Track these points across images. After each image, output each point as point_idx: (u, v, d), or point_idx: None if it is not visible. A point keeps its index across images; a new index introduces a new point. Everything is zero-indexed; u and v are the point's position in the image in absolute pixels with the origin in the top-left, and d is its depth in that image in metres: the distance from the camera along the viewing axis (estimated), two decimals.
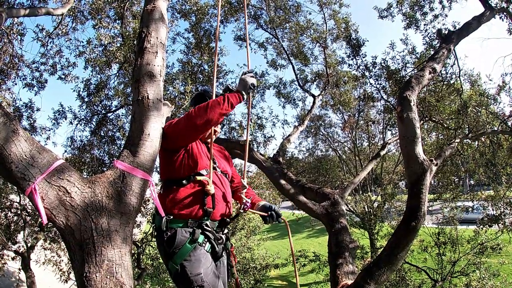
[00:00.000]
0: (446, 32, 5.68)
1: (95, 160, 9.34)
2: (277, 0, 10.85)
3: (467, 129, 7.55)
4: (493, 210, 10.18)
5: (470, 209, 12.23)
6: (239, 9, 10.53)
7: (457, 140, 6.43)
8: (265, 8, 10.71)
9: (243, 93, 2.65)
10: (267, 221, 2.92)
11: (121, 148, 2.60)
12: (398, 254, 3.56)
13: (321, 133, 20.03)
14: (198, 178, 2.58)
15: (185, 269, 2.38)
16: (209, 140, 2.81)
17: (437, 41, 8.14)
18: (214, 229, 2.63)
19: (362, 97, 10.18)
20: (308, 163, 19.31)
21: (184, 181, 2.58)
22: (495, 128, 7.87)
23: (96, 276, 1.95)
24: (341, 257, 4.60)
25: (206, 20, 9.94)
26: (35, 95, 9.42)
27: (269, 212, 2.91)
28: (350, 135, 19.94)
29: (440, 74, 8.13)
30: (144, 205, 10.60)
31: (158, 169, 3.06)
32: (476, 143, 9.27)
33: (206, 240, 2.54)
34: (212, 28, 9.86)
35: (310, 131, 19.25)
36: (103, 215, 2.10)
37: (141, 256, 10.43)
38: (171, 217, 2.49)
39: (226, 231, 2.81)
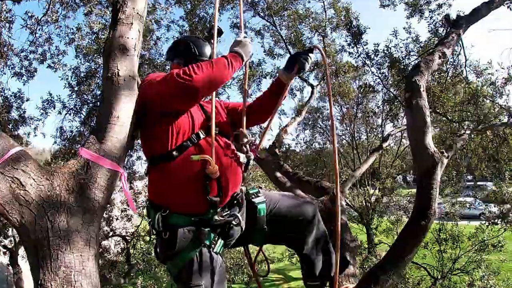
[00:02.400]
0: (455, 17, 5.33)
1: None
2: None
3: (476, 121, 7.20)
4: (495, 206, 9.90)
5: (470, 205, 12.00)
6: None
7: (468, 132, 6.10)
8: None
9: (244, 58, 2.20)
10: (304, 66, 2.32)
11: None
12: (406, 257, 3.21)
13: (319, 126, 19.72)
14: (194, 156, 1.92)
15: (186, 276, 1.93)
16: None
17: (442, 29, 7.79)
18: (226, 214, 2.03)
19: (362, 86, 9.79)
20: (306, 155, 19.00)
21: (174, 153, 1.95)
22: (503, 121, 7.55)
23: (51, 285, 1.62)
24: (341, 257, 4.24)
25: (202, 6, 9.55)
26: (24, 84, 9.03)
27: (296, 61, 2.31)
28: (348, 128, 19.60)
29: (444, 63, 7.78)
30: (136, 197, 10.27)
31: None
32: (480, 137, 8.94)
33: (217, 238, 1.99)
34: (207, 15, 9.46)
35: (308, 123, 19.00)
36: (62, 212, 1.74)
37: (130, 251, 10.11)
38: (167, 211, 1.94)
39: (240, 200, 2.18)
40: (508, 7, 7.21)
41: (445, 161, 3.53)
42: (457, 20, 5.15)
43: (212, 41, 2.39)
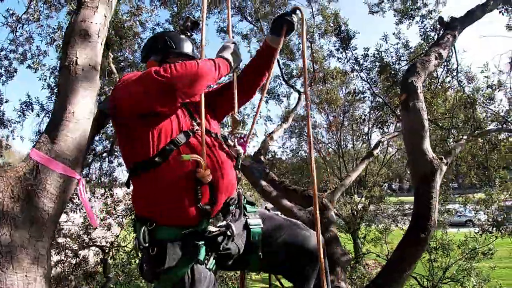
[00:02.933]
0: (449, 19, 5.16)
1: None
2: None
3: (471, 126, 7.04)
4: (485, 214, 9.76)
5: (459, 213, 11.90)
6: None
7: (465, 137, 5.92)
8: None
9: (232, 64, 1.97)
10: (293, 27, 2.13)
11: None
12: (404, 273, 2.93)
13: (305, 134, 19.51)
14: (185, 155, 1.66)
15: None
16: None
17: (433, 33, 7.65)
18: (221, 223, 1.77)
19: (351, 92, 9.60)
20: (292, 164, 18.78)
21: (157, 159, 1.68)
22: (493, 127, 7.43)
23: None
24: (332, 273, 3.92)
25: (188, 9, 9.28)
26: (3, 84, 8.60)
27: (284, 21, 2.11)
28: (335, 136, 19.48)
29: (437, 68, 7.64)
30: (116, 205, 9.85)
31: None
32: (469, 144, 8.82)
33: (210, 254, 1.72)
34: (194, 18, 9.17)
35: (294, 132, 18.76)
36: (4, 223, 1.44)
37: (109, 262, 9.67)
38: (154, 224, 1.67)
39: (236, 210, 1.95)
40: (500, 12, 7.12)
41: (444, 168, 3.28)
42: (452, 22, 4.98)
43: (188, 33, 2.18)
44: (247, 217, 1.99)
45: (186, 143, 1.75)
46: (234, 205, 1.90)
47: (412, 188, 3.42)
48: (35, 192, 1.53)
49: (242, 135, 2.06)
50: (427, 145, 3.24)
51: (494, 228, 7.39)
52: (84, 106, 1.72)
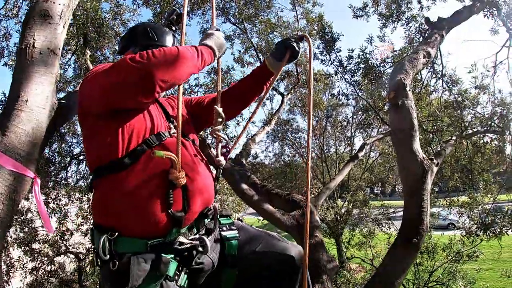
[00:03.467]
0: (436, 19, 5.09)
1: (42, 158, 8.28)
2: None
3: (460, 127, 7.00)
4: (469, 217, 9.76)
5: (442, 217, 11.91)
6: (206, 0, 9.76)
7: (454, 138, 5.84)
8: (234, 0, 9.92)
9: (216, 53, 1.78)
10: (296, 54, 2.00)
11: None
12: (396, 281, 2.76)
13: (288, 138, 19.46)
14: (157, 152, 1.44)
15: None
16: None
17: (418, 36, 7.60)
18: (194, 236, 1.57)
19: (335, 95, 9.51)
20: (275, 168, 18.66)
21: (125, 160, 1.48)
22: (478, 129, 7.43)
23: None
24: (318, 281, 3.73)
25: (170, 9, 9.06)
26: None
27: (289, 47, 1.97)
28: (317, 141, 19.48)
29: (420, 72, 7.60)
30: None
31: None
32: (447, 151, 8.82)
33: (181, 269, 1.50)
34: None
35: (277, 136, 18.68)
36: None
37: (86, 270, 9.30)
38: (115, 233, 1.44)
39: (211, 223, 1.73)
40: (485, 15, 7.13)
41: (435, 169, 3.14)
42: (439, 22, 4.90)
43: (173, 28, 2.01)
44: (221, 229, 1.80)
45: (160, 144, 1.56)
46: (209, 218, 1.70)
47: (394, 192, 3.27)
48: None
49: (224, 144, 1.92)
50: (417, 145, 3.10)
51: (481, 231, 7.33)
52: (39, 93, 1.49)
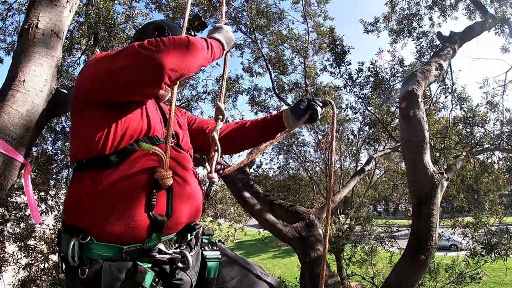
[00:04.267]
0: (449, 34, 5.04)
1: (45, 155, 8.23)
2: (259, 4, 10.15)
3: (470, 143, 6.90)
4: (473, 238, 9.60)
5: (445, 237, 11.74)
6: (218, 8, 9.81)
7: (464, 153, 5.74)
8: (246, 10, 9.95)
9: (225, 47, 1.68)
10: (317, 117, 1.94)
11: None
12: None
13: (293, 151, 19.36)
14: (144, 145, 1.35)
15: None
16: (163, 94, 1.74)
17: (429, 51, 7.55)
18: (174, 249, 1.45)
19: (344, 108, 9.44)
20: (278, 181, 18.51)
21: (112, 158, 1.37)
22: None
23: None
24: None
25: (182, 15, 9.11)
26: None
27: (311, 107, 1.92)
28: (323, 156, 19.37)
29: (429, 88, 7.53)
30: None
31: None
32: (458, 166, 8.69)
33: (158, 280, 1.35)
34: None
35: (282, 148, 18.55)
36: None
37: None
38: (88, 237, 1.30)
39: (193, 240, 1.59)
40: (496, 33, 7.08)
41: (445, 184, 3.02)
42: (451, 36, 4.83)
43: (192, 33, 1.93)
44: (203, 248, 1.68)
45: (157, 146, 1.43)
46: (195, 232, 1.58)
47: (398, 211, 3.16)
48: None
49: (222, 163, 1.77)
50: (427, 158, 2.99)
51: (486, 251, 7.18)
52: (38, 75, 1.42)
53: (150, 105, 1.57)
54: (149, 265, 1.33)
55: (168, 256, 1.37)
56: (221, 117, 1.78)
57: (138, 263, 1.31)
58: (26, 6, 7.01)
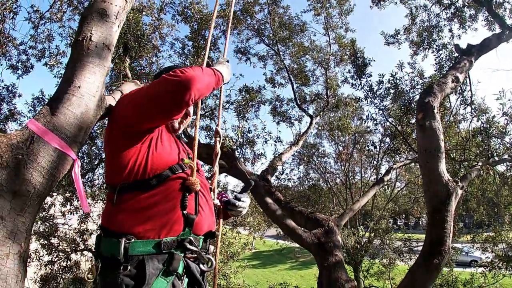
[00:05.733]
0: (466, 46, 5.13)
1: None
2: (282, 16, 10.37)
3: (486, 154, 6.88)
4: (493, 252, 9.46)
5: (465, 252, 11.60)
6: (241, 20, 10.07)
7: (480, 164, 5.77)
8: (269, 22, 10.18)
9: (224, 80, 1.98)
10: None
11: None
12: None
13: (314, 162, 19.35)
14: (185, 159, 1.76)
15: None
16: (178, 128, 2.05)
17: (448, 63, 7.61)
18: (200, 248, 1.74)
19: (364, 119, 9.52)
20: (298, 192, 18.54)
21: (153, 181, 1.66)
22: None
23: None
24: None
25: (207, 27, 9.40)
26: (18, 78, 8.52)
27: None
28: (343, 167, 19.30)
29: (448, 99, 7.57)
30: None
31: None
32: (480, 179, 8.61)
33: (185, 270, 1.65)
34: (213, 37, 9.28)
35: (303, 159, 18.55)
36: None
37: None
38: (132, 238, 1.55)
39: (211, 250, 1.91)
40: None
41: (460, 192, 3.13)
42: (469, 49, 4.93)
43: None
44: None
45: (182, 172, 1.76)
46: (212, 240, 1.90)
47: (418, 225, 3.27)
48: (25, 162, 1.42)
49: (225, 194, 2.21)
50: (442, 167, 3.12)
51: (504, 264, 7.09)
52: (91, 82, 1.65)
53: (172, 141, 1.87)
54: (182, 254, 1.64)
55: (195, 249, 1.67)
56: (218, 138, 2.21)
57: (174, 252, 1.60)
58: (58, 16, 7.25)
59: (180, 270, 1.60)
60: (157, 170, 1.68)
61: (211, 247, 1.91)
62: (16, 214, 1.38)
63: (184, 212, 1.67)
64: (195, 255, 1.69)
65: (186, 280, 1.66)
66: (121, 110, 1.74)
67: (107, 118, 1.87)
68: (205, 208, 1.81)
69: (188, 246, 1.64)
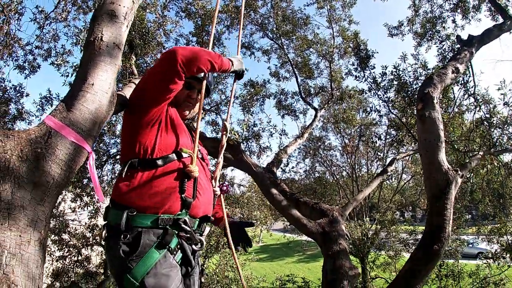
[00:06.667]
0: (467, 37, 5.16)
1: None
2: (285, 10, 10.40)
3: (488, 144, 6.92)
4: (498, 243, 9.50)
5: (470, 244, 11.62)
6: (245, 14, 10.10)
7: (481, 153, 5.81)
8: (272, 16, 10.21)
9: (233, 66, 2.21)
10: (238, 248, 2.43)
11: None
12: (415, 286, 2.85)
13: (320, 155, 19.38)
14: (184, 149, 1.93)
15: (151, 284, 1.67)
16: (186, 114, 2.24)
17: (451, 54, 7.63)
18: (194, 229, 1.94)
19: (368, 111, 9.56)
20: (304, 185, 18.59)
21: (159, 161, 1.87)
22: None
23: None
24: (339, 286, 3.83)
25: (211, 22, 9.44)
26: (25, 78, 8.69)
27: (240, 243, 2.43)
28: (349, 160, 19.30)
29: (452, 90, 7.59)
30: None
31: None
32: (485, 170, 8.63)
33: (179, 246, 1.84)
34: (217, 33, 9.36)
35: (309, 152, 18.58)
36: (7, 180, 1.45)
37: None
38: (135, 211, 1.76)
39: (206, 232, 2.12)
40: None
41: (459, 180, 3.22)
42: (469, 39, 4.97)
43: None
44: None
45: (184, 158, 1.96)
46: (207, 224, 2.10)
47: (425, 218, 3.36)
48: (44, 155, 1.54)
49: (226, 184, 2.34)
50: (442, 156, 3.20)
51: (509, 254, 7.14)
52: (104, 79, 1.77)
53: (183, 129, 2.07)
54: (176, 232, 1.82)
55: (188, 229, 1.85)
56: (225, 132, 2.35)
57: (168, 228, 1.79)
58: (62, 15, 7.34)
59: (173, 245, 1.79)
60: (163, 152, 1.91)
61: (207, 228, 2.13)
62: (36, 204, 1.50)
63: (182, 195, 1.86)
64: (188, 235, 1.87)
65: (180, 255, 1.85)
66: (131, 97, 1.96)
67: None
68: (203, 194, 2.00)
69: (183, 225, 1.84)
